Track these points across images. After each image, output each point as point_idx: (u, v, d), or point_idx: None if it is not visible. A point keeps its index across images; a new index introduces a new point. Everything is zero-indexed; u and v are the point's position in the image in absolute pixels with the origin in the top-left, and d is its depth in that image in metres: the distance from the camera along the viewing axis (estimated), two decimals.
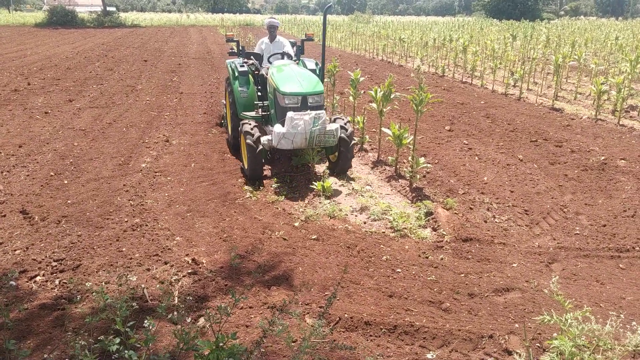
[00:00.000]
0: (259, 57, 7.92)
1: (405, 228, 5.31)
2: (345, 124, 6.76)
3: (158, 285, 4.12)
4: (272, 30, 8.09)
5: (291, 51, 8.09)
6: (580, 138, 8.77)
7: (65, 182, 6.50)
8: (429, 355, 3.34)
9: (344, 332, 3.59)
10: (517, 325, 3.65)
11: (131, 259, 4.58)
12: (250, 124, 6.59)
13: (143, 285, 4.07)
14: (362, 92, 10.65)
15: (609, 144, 8.36)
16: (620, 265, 4.56)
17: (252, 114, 7.32)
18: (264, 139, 6.36)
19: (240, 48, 8.11)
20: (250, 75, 7.68)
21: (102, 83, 14.37)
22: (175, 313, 3.65)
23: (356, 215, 5.74)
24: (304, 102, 6.39)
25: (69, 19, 45.81)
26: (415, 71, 13.13)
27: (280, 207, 5.91)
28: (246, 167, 6.69)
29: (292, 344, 3.33)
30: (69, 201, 5.86)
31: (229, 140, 8.29)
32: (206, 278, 4.26)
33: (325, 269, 4.44)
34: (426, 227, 5.40)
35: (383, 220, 5.58)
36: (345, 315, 3.73)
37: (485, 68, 15.49)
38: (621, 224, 5.41)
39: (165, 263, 4.52)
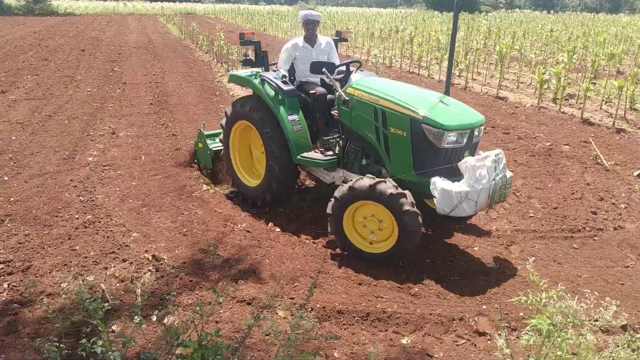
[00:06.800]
0: (332, 67, 5.08)
1: None
2: None
3: (118, 284, 3.92)
4: (311, 28, 5.49)
5: (337, 58, 5.77)
6: (526, 125, 9.12)
7: (6, 178, 6.05)
8: (403, 341, 3.36)
9: (316, 321, 3.55)
10: (484, 306, 3.74)
11: (86, 257, 4.32)
12: (393, 185, 4.11)
13: (102, 285, 3.85)
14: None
15: (553, 130, 8.75)
16: (574, 245, 4.78)
17: (317, 156, 5.07)
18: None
19: (261, 54, 5.62)
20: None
21: (37, 74, 13.51)
22: (139, 312, 3.47)
23: (319, 202, 5.70)
24: (469, 140, 4.33)
25: None
26: (373, 63, 13.26)
27: (240, 199, 5.78)
28: (379, 252, 4.35)
29: (267, 337, 3.26)
30: (11, 199, 5.46)
31: (243, 194, 5.79)
32: (169, 274, 4.10)
33: (292, 260, 4.37)
34: None
35: None
36: (317, 305, 3.69)
37: (431, 59, 15.82)
38: (571, 206, 5.67)
39: (124, 260, 4.30)
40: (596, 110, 9.96)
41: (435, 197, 4.04)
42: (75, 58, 16.74)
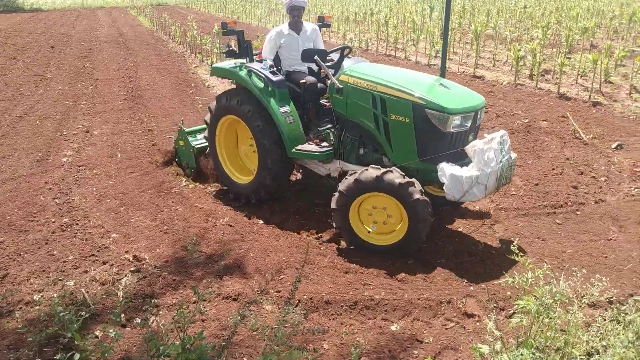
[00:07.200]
0: (324, 55, 4.88)
1: None
2: None
3: (99, 288, 3.82)
4: (297, 14, 5.25)
5: (322, 44, 5.57)
6: (504, 103, 9.14)
7: None
8: (393, 327, 3.34)
9: (304, 313, 3.50)
10: (472, 288, 3.74)
11: (65, 262, 4.21)
12: (420, 190, 3.97)
13: (83, 290, 3.75)
14: None
15: (530, 107, 8.78)
16: (557, 221, 4.81)
17: (313, 148, 4.84)
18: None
19: (245, 44, 5.29)
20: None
21: (5, 74, 13.10)
22: (123, 315, 3.40)
23: (302, 192, 5.64)
24: (473, 123, 4.23)
25: None
26: (355, 47, 13.05)
27: (220, 194, 5.68)
28: (391, 241, 4.21)
29: (254, 332, 3.20)
30: None
31: (231, 192, 5.52)
32: (152, 274, 4.01)
33: (277, 252, 4.32)
34: None
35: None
36: (305, 296, 3.64)
37: (407, 40, 15.75)
38: (552, 181, 5.70)
39: (104, 263, 4.20)
40: (572, 85, 10.02)
41: (444, 184, 3.93)
42: (44, 56, 16.28)
